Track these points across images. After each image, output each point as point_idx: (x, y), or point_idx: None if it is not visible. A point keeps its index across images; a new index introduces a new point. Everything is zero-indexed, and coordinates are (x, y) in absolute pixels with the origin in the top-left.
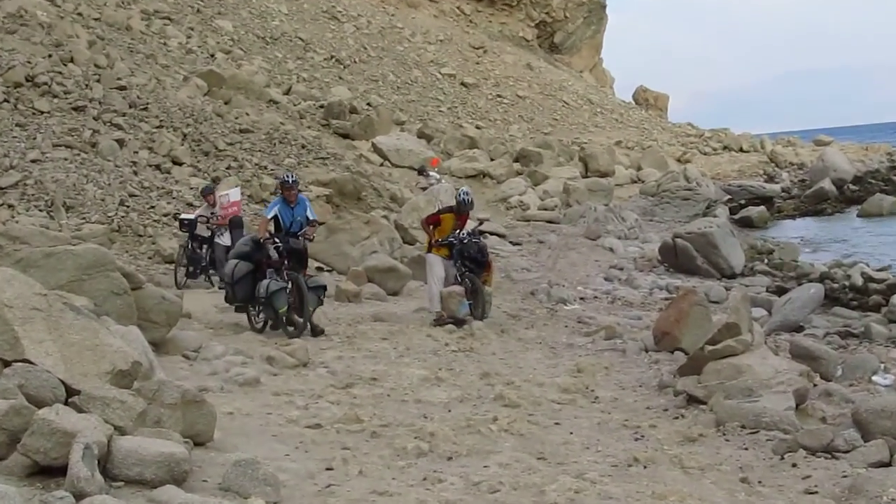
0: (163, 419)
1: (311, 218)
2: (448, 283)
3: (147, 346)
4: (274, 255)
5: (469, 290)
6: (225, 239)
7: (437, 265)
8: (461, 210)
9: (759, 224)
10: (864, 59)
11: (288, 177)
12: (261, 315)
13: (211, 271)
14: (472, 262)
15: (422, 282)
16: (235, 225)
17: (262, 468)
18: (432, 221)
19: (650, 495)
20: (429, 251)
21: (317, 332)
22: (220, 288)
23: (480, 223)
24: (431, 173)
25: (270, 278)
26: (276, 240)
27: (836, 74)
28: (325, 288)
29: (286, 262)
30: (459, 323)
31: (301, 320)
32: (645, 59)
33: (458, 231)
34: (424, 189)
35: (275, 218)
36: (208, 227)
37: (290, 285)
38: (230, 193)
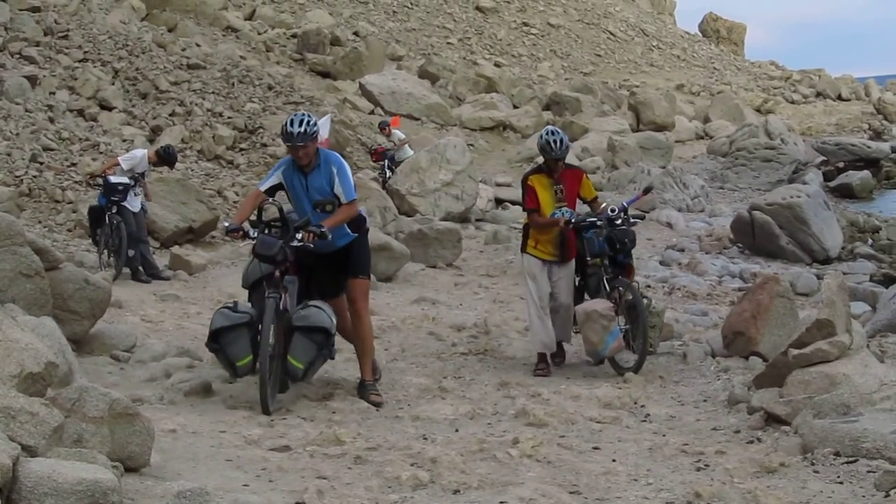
0: (85, 437)
1: (344, 198)
2: (561, 301)
3: (65, 342)
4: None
5: (622, 306)
6: (135, 203)
7: (536, 275)
8: (556, 156)
9: (861, 194)
10: None
11: (293, 123)
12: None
13: (131, 252)
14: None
15: (422, 264)
16: None
17: (212, 502)
18: (533, 204)
19: None
20: (524, 248)
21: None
22: (146, 275)
23: (649, 188)
24: (396, 131)
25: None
26: (249, 234)
27: None
28: (323, 331)
29: (277, 275)
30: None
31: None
32: None
33: (563, 204)
34: (384, 153)
35: (276, 191)
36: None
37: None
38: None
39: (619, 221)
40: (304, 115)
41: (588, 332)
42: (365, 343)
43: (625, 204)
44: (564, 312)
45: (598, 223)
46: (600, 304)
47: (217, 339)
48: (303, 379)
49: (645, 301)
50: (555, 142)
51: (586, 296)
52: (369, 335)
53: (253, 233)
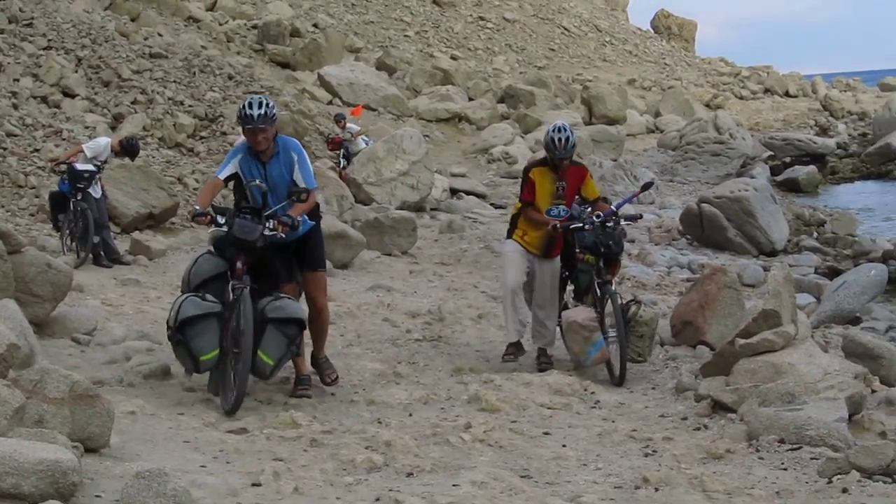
0: (46, 418)
1: (305, 185)
2: (544, 295)
3: (27, 325)
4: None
5: (607, 313)
6: (97, 189)
7: (514, 261)
8: (560, 156)
9: (807, 188)
10: None
11: (251, 105)
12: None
13: (96, 238)
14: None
15: (378, 252)
16: None
17: (170, 482)
18: (530, 197)
19: None
20: (510, 235)
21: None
22: (107, 260)
23: (648, 185)
24: (351, 125)
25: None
26: (219, 220)
27: None
28: (299, 323)
29: (241, 266)
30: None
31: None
32: None
33: (561, 201)
34: (341, 143)
35: (236, 180)
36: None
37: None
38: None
39: (609, 224)
40: (261, 97)
41: (570, 342)
42: (324, 330)
43: (613, 207)
44: (549, 307)
45: (586, 227)
46: (581, 315)
47: (183, 330)
48: (268, 377)
49: (633, 308)
50: (559, 140)
51: (570, 290)
52: (328, 324)
53: (220, 219)
